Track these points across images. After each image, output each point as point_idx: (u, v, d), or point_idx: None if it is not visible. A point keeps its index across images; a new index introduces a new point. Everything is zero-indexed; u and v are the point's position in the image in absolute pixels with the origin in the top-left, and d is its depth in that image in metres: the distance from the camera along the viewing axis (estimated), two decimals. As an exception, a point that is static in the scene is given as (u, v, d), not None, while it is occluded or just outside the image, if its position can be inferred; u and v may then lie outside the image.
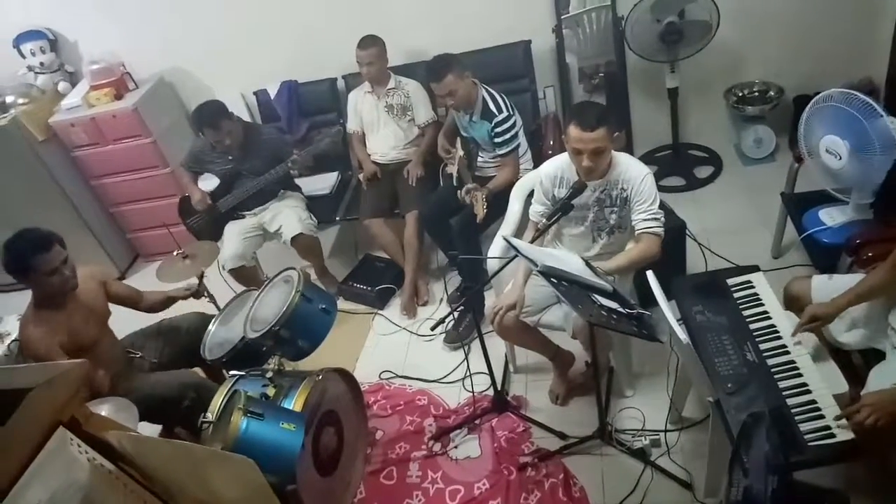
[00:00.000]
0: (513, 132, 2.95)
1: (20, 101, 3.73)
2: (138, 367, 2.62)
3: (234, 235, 3.36)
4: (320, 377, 2.33)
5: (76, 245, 3.98)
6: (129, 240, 4.31)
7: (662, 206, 2.33)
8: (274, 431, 2.00)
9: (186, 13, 3.76)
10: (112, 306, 2.66)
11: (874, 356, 2.01)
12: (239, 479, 1.49)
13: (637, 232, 2.29)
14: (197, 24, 3.79)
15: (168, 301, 2.79)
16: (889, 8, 3.22)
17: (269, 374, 2.30)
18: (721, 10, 3.14)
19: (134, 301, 2.75)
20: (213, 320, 2.73)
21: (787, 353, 1.96)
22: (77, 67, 3.98)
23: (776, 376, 1.89)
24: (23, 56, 3.87)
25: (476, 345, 2.55)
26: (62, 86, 3.93)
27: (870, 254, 2.19)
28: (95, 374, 2.35)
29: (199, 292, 2.76)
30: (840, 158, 2.38)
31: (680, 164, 3.72)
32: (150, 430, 2.65)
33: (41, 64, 3.89)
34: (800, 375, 1.88)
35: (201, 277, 2.77)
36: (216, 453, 1.62)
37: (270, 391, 2.28)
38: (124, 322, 2.77)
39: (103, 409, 2.12)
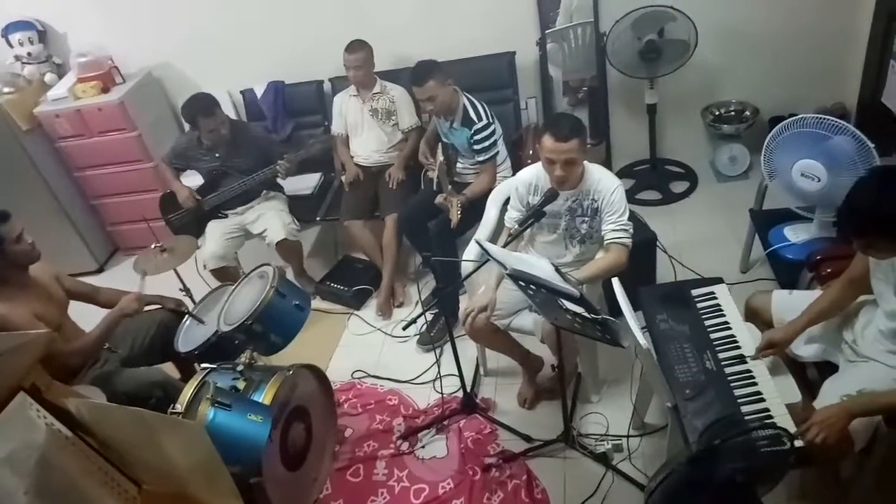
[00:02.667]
0: (491, 140, 3.01)
1: (6, 90, 3.73)
2: (107, 360, 2.62)
3: (217, 235, 3.39)
4: (291, 372, 2.36)
5: (56, 236, 4.06)
6: (109, 233, 4.32)
7: (634, 218, 2.40)
8: (241, 422, 2.03)
9: (177, 9, 3.79)
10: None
11: (828, 369, 2.08)
12: (189, 444, 1.53)
13: (606, 242, 2.35)
14: (187, 20, 3.82)
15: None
16: (860, 36, 3.33)
17: (240, 368, 2.32)
18: (700, 31, 3.23)
19: (90, 295, 2.74)
20: (187, 315, 2.75)
21: (745, 362, 2.02)
22: (65, 59, 3.99)
23: (733, 384, 1.95)
24: (10, 45, 3.88)
25: (449, 347, 2.60)
26: (49, 77, 3.94)
27: (828, 270, 2.27)
28: (64, 348, 2.37)
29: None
30: (819, 181, 2.45)
31: (657, 178, 3.80)
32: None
33: (28, 54, 3.90)
34: (755, 384, 1.94)
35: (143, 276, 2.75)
36: (166, 419, 1.68)
37: (241, 384, 2.30)
38: (96, 315, 2.78)
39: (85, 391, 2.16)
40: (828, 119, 2.39)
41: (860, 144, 2.33)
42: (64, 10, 3.89)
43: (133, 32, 3.89)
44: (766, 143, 2.62)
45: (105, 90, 3.79)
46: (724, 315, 2.19)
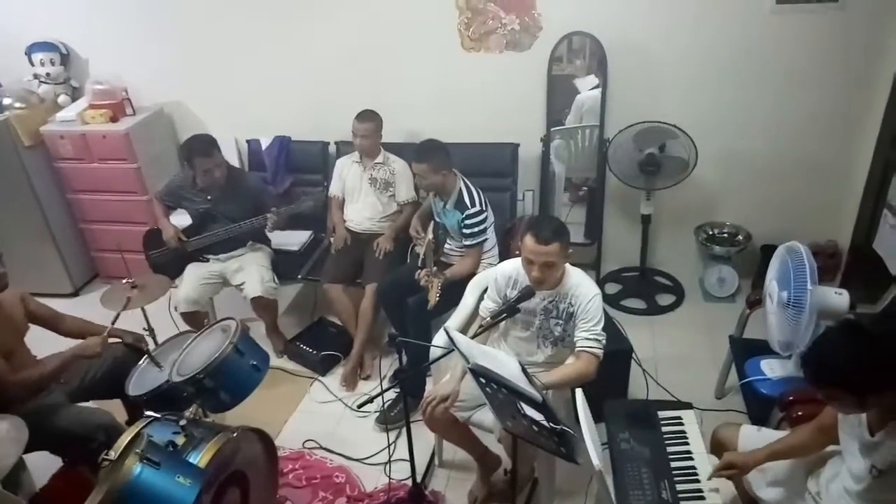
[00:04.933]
0: (481, 227, 3.01)
1: (17, 104, 3.78)
2: (54, 389, 2.53)
3: (193, 279, 3.34)
4: (235, 435, 2.26)
5: (37, 252, 4.02)
6: (91, 258, 4.28)
7: (612, 327, 2.36)
8: (167, 483, 1.92)
9: (198, 52, 3.89)
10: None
11: (789, 517, 1.99)
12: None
13: (576, 349, 2.30)
14: (206, 64, 3.92)
15: (85, 336, 2.63)
16: (858, 179, 3.39)
17: (183, 423, 2.22)
18: (700, 152, 3.28)
19: (52, 322, 2.69)
20: (145, 356, 2.67)
21: (703, 498, 1.94)
22: (82, 84, 4.06)
23: (687, 521, 1.86)
24: (31, 64, 3.97)
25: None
26: (62, 98, 4.00)
27: (799, 413, 2.20)
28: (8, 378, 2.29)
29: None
30: (772, 302, 2.44)
31: (644, 287, 3.78)
32: (52, 462, 2.55)
33: (47, 74, 3.97)
34: (710, 524, 1.85)
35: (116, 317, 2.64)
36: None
37: (180, 440, 2.19)
38: (54, 342, 2.70)
39: (2, 424, 2.06)
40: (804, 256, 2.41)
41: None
42: (90, 37, 3.99)
43: (152, 68, 3.98)
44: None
45: (114, 119, 3.84)
46: (688, 444, 2.13)
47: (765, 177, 3.58)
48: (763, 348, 2.69)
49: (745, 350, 2.80)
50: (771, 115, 3.42)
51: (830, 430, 1.89)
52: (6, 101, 3.77)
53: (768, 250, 3.58)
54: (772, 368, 2.62)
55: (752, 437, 2.13)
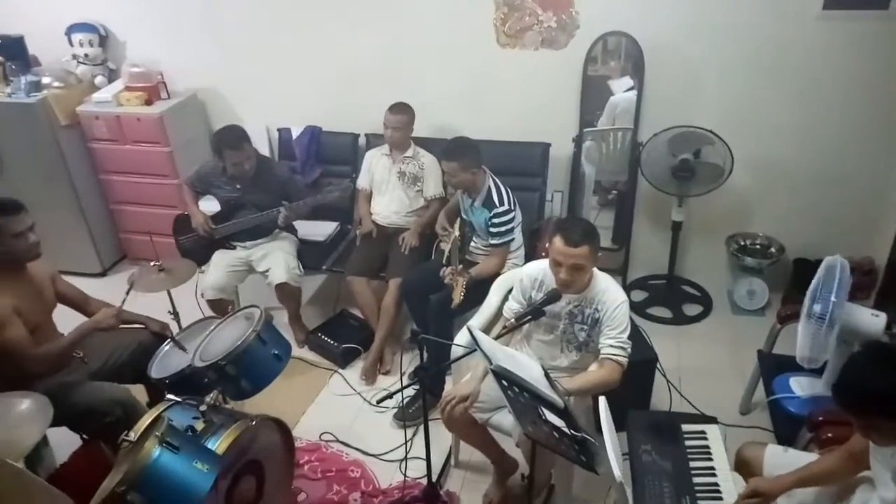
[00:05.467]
0: (508, 226, 2.98)
1: (55, 84, 3.83)
2: (76, 368, 2.56)
3: (220, 266, 3.36)
4: (254, 423, 2.26)
5: (68, 231, 4.07)
6: (120, 239, 4.33)
7: (638, 335, 2.32)
8: (185, 468, 1.92)
9: (234, 40, 3.90)
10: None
11: (814, 544, 1.93)
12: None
13: (601, 356, 2.26)
14: (242, 52, 3.93)
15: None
16: (898, 195, 3.29)
17: (203, 408, 2.23)
18: (736, 159, 3.21)
19: (79, 303, 2.71)
20: (169, 339, 2.69)
21: (724, 518, 1.89)
22: (118, 66, 4.10)
23: (707, 540, 1.81)
24: (71, 44, 4.01)
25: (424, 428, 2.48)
26: (99, 80, 4.04)
27: (829, 434, 2.13)
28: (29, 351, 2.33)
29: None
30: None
31: (671, 296, 3.71)
32: (72, 438, 2.58)
33: (86, 55, 4.02)
34: (731, 546, 1.80)
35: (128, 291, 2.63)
36: (43, 485, 1.72)
37: (199, 425, 2.20)
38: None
39: (24, 402, 2.08)
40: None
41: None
42: (129, 19, 4.02)
43: (188, 53, 4.00)
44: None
45: (148, 102, 3.87)
46: (711, 459, 2.07)
47: (801, 188, 3.49)
48: (793, 365, 2.60)
49: (774, 366, 2.73)
50: (811, 124, 3.34)
51: (861, 457, 1.83)
52: (45, 80, 3.82)
53: (801, 264, 3.53)
54: (801, 387, 2.55)
55: (778, 458, 2.07)
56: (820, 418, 2.21)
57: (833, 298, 2.29)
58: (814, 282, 2.41)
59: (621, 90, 3.53)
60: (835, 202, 3.46)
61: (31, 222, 2.41)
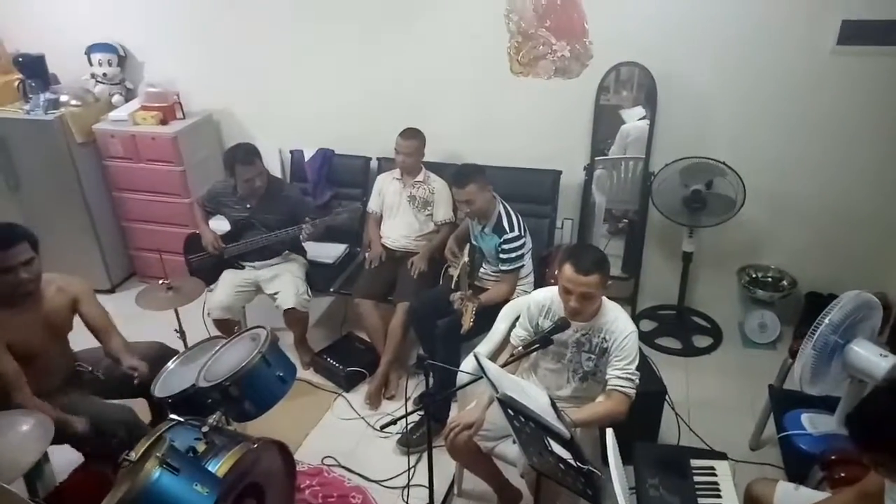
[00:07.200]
0: (518, 252, 2.97)
1: (73, 102, 3.88)
2: (84, 383, 2.55)
3: (228, 286, 3.36)
4: (255, 446, 2.23)
5: (78, 247, 4.10)
6: (130, 256, 4.35)
7: (646, 366, 2.28)
8: (184, 490, 1.89)
9: (249, 63, 3.96)
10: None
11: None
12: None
13: (608, 388, 2.23)
14: (257, 74, 3.98)
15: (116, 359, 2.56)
16: (914, 231, 3.26)
17: (206, 429, 2.21)
18: (749, 192, 3.19)
19: (98, 332, 2.60)
20: (175, 358, 2.68)
21: (733, 558, 1.84)
22: (136, 86, 4.18)
23: (714, 580, 1.77)
24: (90, 63, 4.09)
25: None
26: (116, 98, 4.10)
27: (842, 474, 2.08)
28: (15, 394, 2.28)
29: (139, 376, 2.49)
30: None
31: (680, 327, 3.67)
32: (71, 456, 2.56)
33: (104, 74, 4.09)
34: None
35: None
36: None
37: (200, 447, 2.18)
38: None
39: (25, 423, 2.07)
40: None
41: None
42: (148, 41, 4.10)
43: (205, 74, 4.07)
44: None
45: (163, 122, 3.91)
46: (720, 496, 2.04)
47: (814, 222, 3.46)
48: (805, 401, 2.57)
49: (786, 401, 2.68)
50: (824, 159, 3.32)
51: (875, 498, 1.77)
52: (63, 97, 3.88)
53: (813, 298, 3.48)
54: (814, 424, 2.49)
55: (789, 497, 2.02)
56: (833, 457, 2.16)
57: (826, 321, 2.29)
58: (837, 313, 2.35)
59: (633, 119, 3.54)
60: (848, 237, 3.43)
61: (26, 257, 2.28)
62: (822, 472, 2.19)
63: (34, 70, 3.99)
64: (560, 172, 3.58)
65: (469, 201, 2.96)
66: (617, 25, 3.33)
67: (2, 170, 3.96)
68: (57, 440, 2.20)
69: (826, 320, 2.29)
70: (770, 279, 3.60)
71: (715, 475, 2.09)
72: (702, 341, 3.63)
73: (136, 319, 2.69)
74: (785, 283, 3.55)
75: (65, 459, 2.59)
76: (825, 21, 3.06)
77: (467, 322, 2.83)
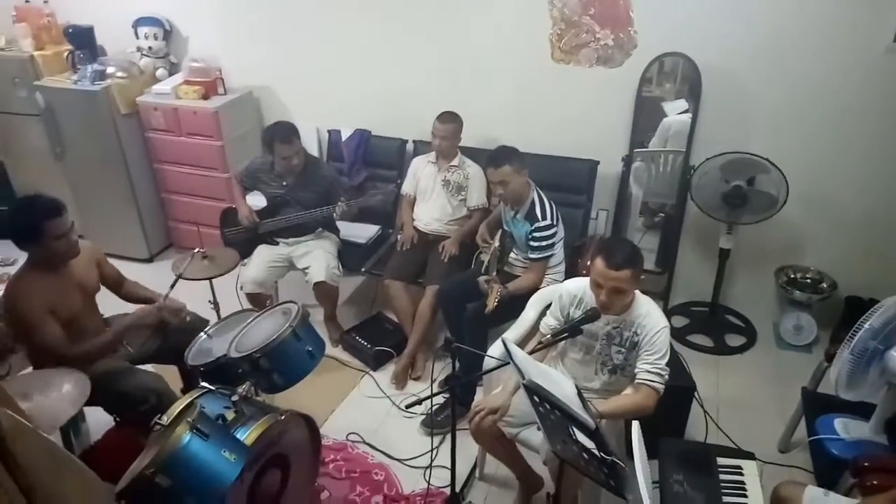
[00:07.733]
0: (549, 241, 2.94)
1: (119, 74, 3.97)
2: (118, 352, 2.61)
3: (262, 261, 3.41)
4: (283, 417, 2.27)
5: (119, 216, 4.20)
6: (169, 227, 4.44)
7: (677, 362, 2.25)
8: (213, 455, 1.94)
9: (291, 42, 3.99)
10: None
11: None
12: (87, 493, 1.52)
13: (636, 381, 2.20)
14: (298, 53, 4.01)
15: (143, 301, 2.71)
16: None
17: (235, 398, 2.26)
18: (791, 190, 3.11)
19: (115, 285, 2.75)
20: (208, 328, 2.73)
21: (756, 558, 1.82)
22: (180, 60, 4.24)
23: (736, 579, 1.75)
24: (137, 37, 4.16)
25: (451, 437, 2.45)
26: (160, 72, 4.17)
27: (874, 482, 2.03)
28: (67, 352, 2.37)
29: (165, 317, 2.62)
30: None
31: (713, 325, 3.61)
32: (105, 419, 2.64)
33: (150, 48, 4.16)
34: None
35: (174, 283, 2.70)
36: (72, 462, 1.72)
37: (230, 415, 2.22)
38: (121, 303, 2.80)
39: (66, 381, 2.14)
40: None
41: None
42: (193, 16, 4.16)
43: (248, 51, 4.10)
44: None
45: (205, 97, 3.97)
46: (746, 496, 2.01)
47: (857, 225, 3.36)
48: (839, 405, 2.50)
49: (818, 405, 2.62)
50: (871, 160, 3.22)
51: (908, 506, 1.74)
52: (109, 69, 3.96)
53: (853, 302, 3.39)
54: (846, 429, 2.43)
55: (818, 502, 1.98)
56: (865, 464, 2.10)
57: (867, 326, 2.22)
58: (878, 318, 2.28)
59: (675, 112, 3.47)
60: (890, 242, 3.32)
61: (71, 222, 2.40)
62: (853, 479, 2.14)
63: (83, 41, 4.07)
64: (597, 162, 3.53)
65: (503, 182, 2.92)
66: (664, 15, 3.26)
67: (49, 138, 4.07)
68: (91, 402, 2.25)
69: (866, 325, 2.23)
70: (809, 280, 3.51)
71: (742, 474, 2.06)
72: (735, 340, 3.57)
73: (172, 289, 2.76)
74: (824, 285, 3.46)
75: (101, 420, 2.68)
76: (882, 18, 2.94)
77: (491, 302, 2.81)
